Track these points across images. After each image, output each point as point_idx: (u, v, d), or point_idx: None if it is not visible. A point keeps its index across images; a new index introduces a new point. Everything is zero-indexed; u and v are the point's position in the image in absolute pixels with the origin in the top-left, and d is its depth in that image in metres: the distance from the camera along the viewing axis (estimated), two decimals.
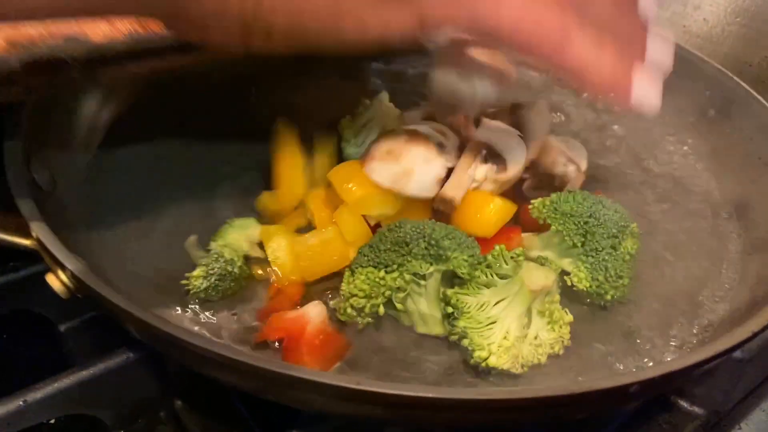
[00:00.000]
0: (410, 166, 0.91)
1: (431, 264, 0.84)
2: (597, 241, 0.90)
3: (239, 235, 0.93)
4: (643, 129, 1.25)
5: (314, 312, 0.84)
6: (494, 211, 0.93)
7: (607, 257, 0.90)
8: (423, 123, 0.99)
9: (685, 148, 1.22)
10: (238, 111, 1.17)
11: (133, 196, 1.02)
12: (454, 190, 0.93)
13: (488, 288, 0.84)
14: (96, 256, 0.91)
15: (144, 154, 1.09)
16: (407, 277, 0.83)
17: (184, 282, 0.89)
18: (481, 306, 0.83)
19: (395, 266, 0.83)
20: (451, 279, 0.86)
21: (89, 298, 0.78)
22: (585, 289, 0.91)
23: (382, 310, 0.85)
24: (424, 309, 0.86)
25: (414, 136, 0.94)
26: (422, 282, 0.85)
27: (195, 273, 0.89)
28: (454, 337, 0.84)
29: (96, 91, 1.11)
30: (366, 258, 0.85)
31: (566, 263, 0.93)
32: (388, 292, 0.84)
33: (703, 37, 1.39)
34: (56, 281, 0.81)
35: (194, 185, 1.05)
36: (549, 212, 0.92)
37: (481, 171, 0.96)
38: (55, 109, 1.04)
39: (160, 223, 0.99)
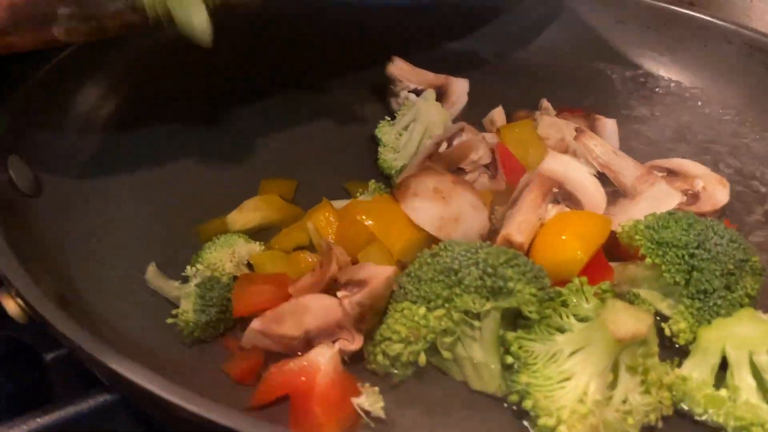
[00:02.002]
0: (459, 212, 0.76)
1: (488, 299, 0.65)
2: (706, 280, 0.70)
3: (223, 255, 0.77)
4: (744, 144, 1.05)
5: (324, 358, 0.65)
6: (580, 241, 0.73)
7: (719, 301, 0.70)
8: None
9: None
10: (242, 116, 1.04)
11: (131, 208, 0.87)
12: (522, 233, 0.75)
13: (562, 333, 0.66)
14: (78, 279, 0.77)
15: (146, 157, 0.94)
16: (456, 316, 0.65)
17: (170, 321, 0.72)
18: (552, 356, 0.64)
19: (441, 302, 0.65)
20: (514, 319, 0.68)
21: (45, 326, 0.62)
22: (687, 343, 0.71)
23: (423, 359, 0.66)
24: (478, 358, 0.67)
25: (460, 177, 0.81)
26: (476, 323, 0.66)
27: (184, 307, 0.71)
28: (514, 397, 0.65)
29: (96, 82, 0.98)
30: (402, 291, 0.67)
31: (665, 305, 0.73)
32: (431, 336, 0.65)
33: None
34: (10, 301, 0.66)
35: (195, 200, 0.89)
36: (644, 240, 0.72)
37: (552, 213, 0.79)
38: (47, 98, 0.90)
39: (154, 245, 0.83)
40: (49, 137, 0.89)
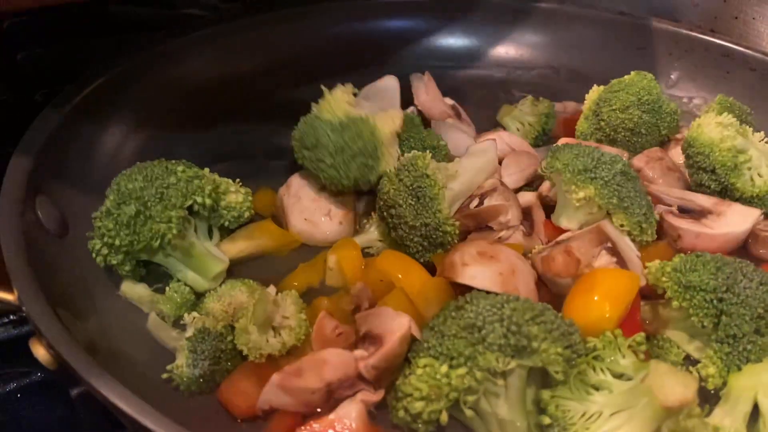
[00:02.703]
0: (512, 265, 0.75)
1: (512, 357, 0.62)
2: (735, 325, 0.69)
3: (222, 304, 0.74)
4: None
5: (352, 415, 0.63)
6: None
7: (749, 346, 0.69)
8: None
9: None
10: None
11: None
12: (579, 251, 0.76)
13: (598, 390, 0.64)
14: (104, 320, 0.76)
15: None
16: (479, 375, 0.62)
17: (165, 376, 0.71)
18: (590, 417, 0.62)
19: (463, 360, 0.62)
20: (544, 374, 0.65)
21: (74, 377, 0.62)
22: (716, 388, 0.70)
23: (445, 418, 0.63)
24: (504, 415, 0.64)
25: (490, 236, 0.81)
26: (500, 381, 0.64)
27: (178, 361, 0.71)
28: None
29: (122, 118, 0.98)
30: (426, 345, 0.65)
31: (693, 347, 0.72)
32: (453, 395, 0.63)
33: None
34: (39, 348, 0.66)
35: None
36: (670, 283, 0.71)
37: (600, 263, 0.78)
38: (72, 138, 0.91)
39: None
40: (75, 177, 0.89)
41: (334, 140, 0.83)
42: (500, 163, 0.94)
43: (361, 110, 0.87)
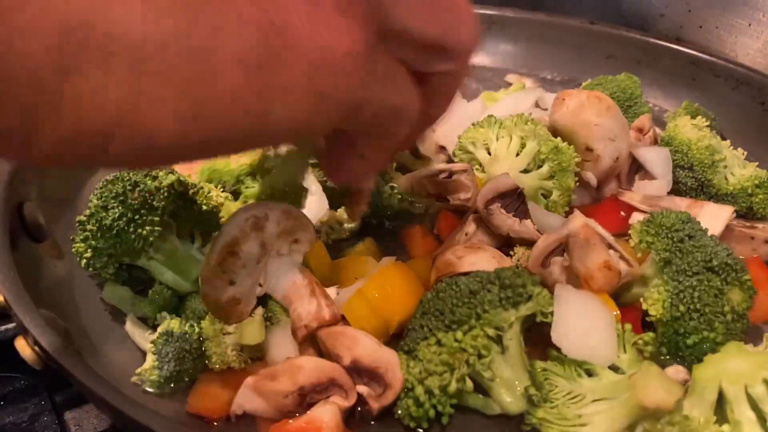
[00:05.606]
0: (496, 252, 0.80)
1: (512, 308, 0.66)
2: (688, 264, 0.71)
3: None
4: None
5: (326, 416, 0.62)
6: None
7: (696, 284, 0.71)
8: None
9: None
10: None
11: None
12: (534, 267, 0.77)
13: (589, 377, 0.65)
14: (86, 323, 0.77)
15: None
16: (490, 331, 0.65)
17: (134, 380, 0.71)
18: (574, 398, 0.63)
19: (472, 321, 0.65)
20: (544, 349, 0.68)
21: (61, 373, 0.63)
22: (657, 316, 0.71)
23: (470, 384, 0.65)
24: (507, 375, 0.67)
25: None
26: (505, 337, 0.67)
27: (146, 365, 0.70)
28: (526, 428, 0.65)
29: None
30: (426, 329, 0.67)
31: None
32: (472, 358, 0.64)
33: None
34: (26, 348, 0.66)
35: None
36: (644, 225, 0.75)
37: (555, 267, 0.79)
38: None
39: None
40: (58, 185, 0.90)
41: None
42: None
43: None
